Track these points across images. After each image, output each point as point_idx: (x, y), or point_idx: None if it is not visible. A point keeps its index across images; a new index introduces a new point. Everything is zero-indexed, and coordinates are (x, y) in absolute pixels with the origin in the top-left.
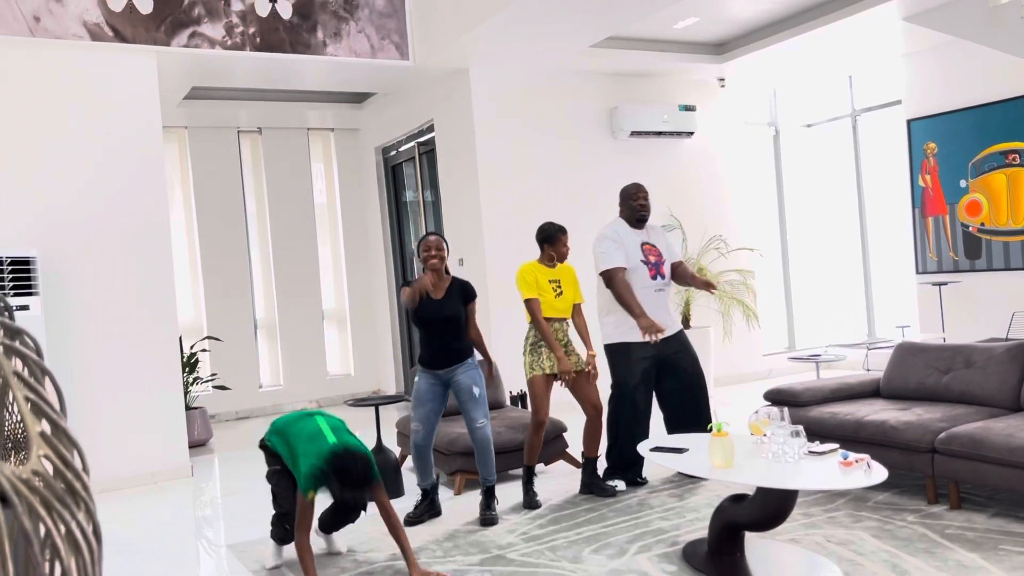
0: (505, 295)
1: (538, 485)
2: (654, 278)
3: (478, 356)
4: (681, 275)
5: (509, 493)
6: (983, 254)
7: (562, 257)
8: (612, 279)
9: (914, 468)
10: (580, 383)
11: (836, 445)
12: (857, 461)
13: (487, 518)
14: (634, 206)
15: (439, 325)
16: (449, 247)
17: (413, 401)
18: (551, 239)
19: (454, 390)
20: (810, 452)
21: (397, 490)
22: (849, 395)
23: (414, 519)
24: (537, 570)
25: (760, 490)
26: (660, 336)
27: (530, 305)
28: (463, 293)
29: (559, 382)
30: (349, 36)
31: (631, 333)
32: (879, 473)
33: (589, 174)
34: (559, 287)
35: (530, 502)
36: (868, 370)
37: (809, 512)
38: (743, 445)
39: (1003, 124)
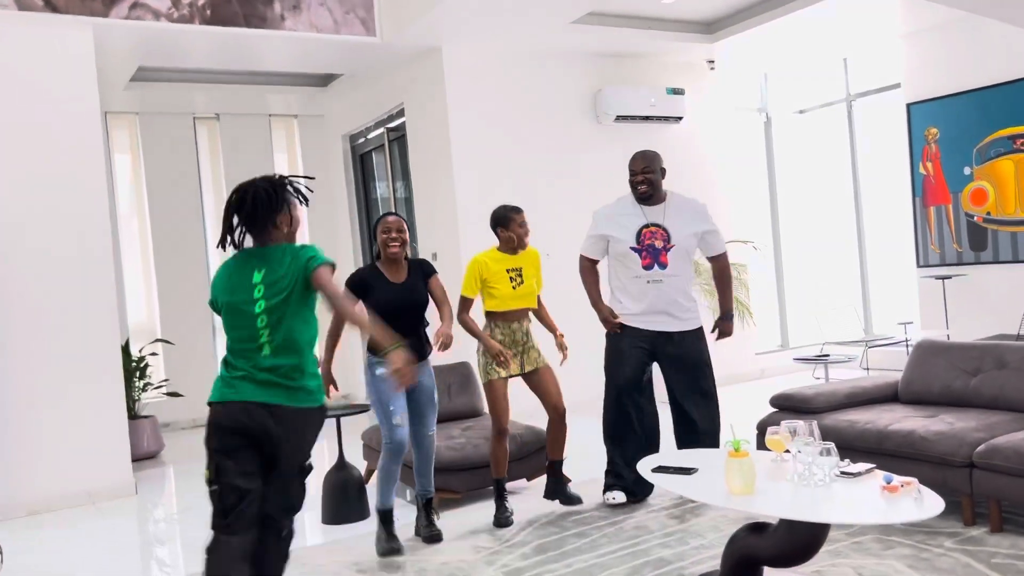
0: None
1: (521, 503)
2: (648, 267)
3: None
4: (715, 274)
5: (487, 515)
6: (989, 245)
7: (520, 240)
8: (579, 265)
9: (948, 485)
10: (538, 382)
11: (872, 465)
12: (903, 485)
13: (432, 534)
14: (631, 182)
15: (402, 313)
16: (409, 232)
17: (385, 393)
18: (503, 220)
19: (412, 389)
20: (843, 473)
21: (361, 512)
22: (865, 400)
23: (387, 550)
24: None
25: (785, 521)
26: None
27: (461, 303)
28: (423, 273)
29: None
30: (309, 9)
31: (622, 317)
32: (933, 503)
33: (572, 161)
34: (519, 276)
35: (501, 519)
36: (867, 370)
37: (832, 537)
38: (761, 464)
39: (1010, 107)
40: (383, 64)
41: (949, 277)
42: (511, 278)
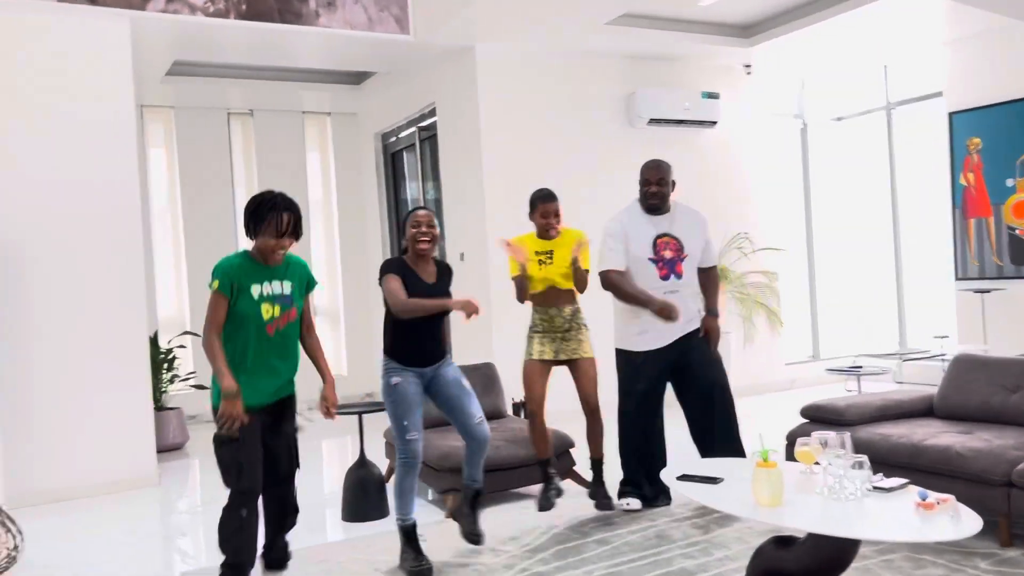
0: (509, 294)
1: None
2: (665, 278)
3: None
4: (705, 282)
5: (506, 518)
6: None
7: (544, 231)
8: (606, 282)
9: (985, 504)
10: (575, 373)
11: (906, 480)
12: (940, 502)
13: (473, 532)
14: (643, 191)
15: (436, 316)
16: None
17: (400, 406)
18: (531, 206)
19: (437, 387)
20: (875, 488)
21: (382, 510)
22: (899, 414)
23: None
24: None
25: (813, 535)
26: (676, 322)
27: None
28: (450, 278)
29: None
30: (344, 6)
31: (634, 340)
32: (971, 522)
33: (604, 164)
34: (549, 258)
35: (543, 502)
36: (901, 383)
37: (861, 554)
38: (789, 475)
39: None
40: (416, 63)
41: (988, 291)
42: (540, 260)
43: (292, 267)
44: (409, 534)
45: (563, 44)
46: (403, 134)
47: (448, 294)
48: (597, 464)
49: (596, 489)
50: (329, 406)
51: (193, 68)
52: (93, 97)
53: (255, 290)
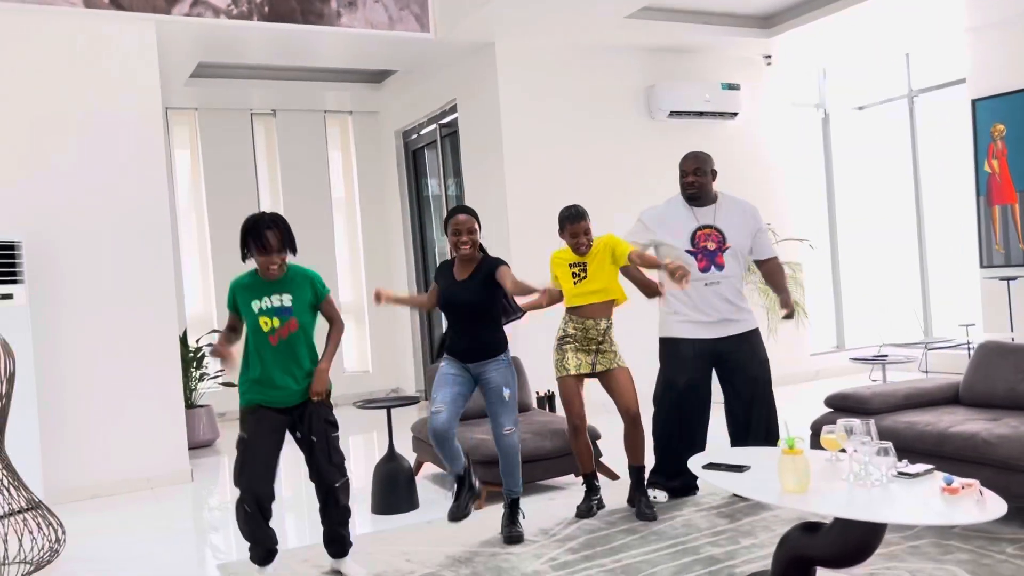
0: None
1: (570, 498)
2: (705, 270)
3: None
4: (767, 275)
5: (533, 509)
6: None
7: (576, 248)
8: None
9: (1011, 490)
10: (612, 383)
11: (931, 466)
12: (964, 487)
13: (511, 535)
14: (682, 183)
15: (459, 311)
16: (481, 224)
17: (435, 384)
18: (559, 227)
19: (483, 388)
20: (900, 474)
21: (410, 503)
22: (925, 402)
23: (458, 514)
24: None
25: (839, 520)
26: (689, 283)
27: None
28: (489, 270)
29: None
30: (365, 6)
31: (679, 327)
32: (996, 506)
33: (624, 157)
34: (583, 271)
35: (582, 508)
36: (926, 372)
37: (888, 540)
38: (816, 463)
39: None
40: (436, 60)
41: (1015, 278)
42: (573, 274)
43: (295, 280)
44: (460, 480)
45: (582, 39)
46: (424, 131)
47: (480, 288)
48: (638, 472)
49: (637, 497)
50: (311, 394)
51: (216, 70)
52: (122, 100)
53: (255, 305)
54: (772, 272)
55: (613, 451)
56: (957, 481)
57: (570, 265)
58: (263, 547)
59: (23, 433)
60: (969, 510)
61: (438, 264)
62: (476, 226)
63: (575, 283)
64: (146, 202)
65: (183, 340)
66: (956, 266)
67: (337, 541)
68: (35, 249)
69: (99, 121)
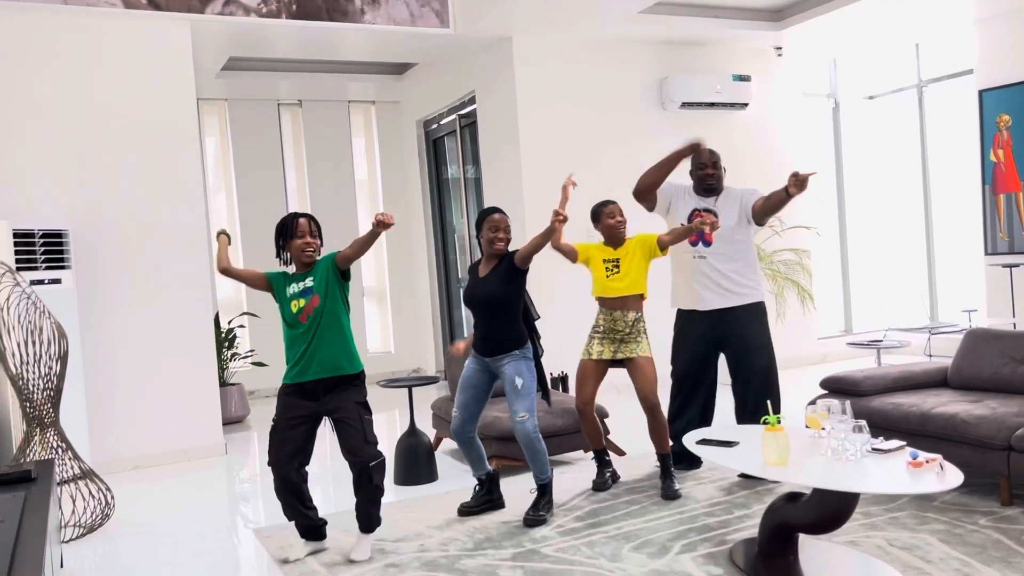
0: (546, 277)
1: (577, 472)
2: (694, 244)
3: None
4: (768, 204)
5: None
6: None
7: (609, 232)
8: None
9: (987, 467)
10: (632, 372)
11: (903, 443)
12: (928, 461)
13: (528, 518)
14: (700, 174)
15: (480, 305)
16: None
17: (458, 385)
18: (594, 216)
19: (500, 378)
20: (874, 449)
21: (430, 474)
22: (914, 384)
23: (468, 510)
24: (572, 568)
25: (817, 491)
26: (702, 147)
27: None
28: (508, 262)
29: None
30: (387, 3)
31: (679, 298)
32: (953, 477)
33: (637, 147)
34: (615, 267)
35: (597, 482)
36: (930, 356)
37: (869, 511)
38: (799, 439)
39: None
40: (456, 54)
41: (1018, 265)
42: (607, 268)
43: (319, 265)
44: (481, 483)
45: (597, 33)
46: (444, 121)
47: (500, 282)
48: (664, 459)
49: (664, 482)
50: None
51: (246, 63)
52: (158, 95)
53: (289, 292)
54: (767, 199)
55: (620, 430)
56: (922, 456)
57: (604, 260)
58: (292, 517)
59: (72, 408)
60: (930, 481)
61: (468, 264)
62: (509, 224)
63: (607, 276)
64: (181, 192)
65: (215, 321)
66: (962, 253)
67: (364, 516)
68: (80, 237)
69: (137, 116)
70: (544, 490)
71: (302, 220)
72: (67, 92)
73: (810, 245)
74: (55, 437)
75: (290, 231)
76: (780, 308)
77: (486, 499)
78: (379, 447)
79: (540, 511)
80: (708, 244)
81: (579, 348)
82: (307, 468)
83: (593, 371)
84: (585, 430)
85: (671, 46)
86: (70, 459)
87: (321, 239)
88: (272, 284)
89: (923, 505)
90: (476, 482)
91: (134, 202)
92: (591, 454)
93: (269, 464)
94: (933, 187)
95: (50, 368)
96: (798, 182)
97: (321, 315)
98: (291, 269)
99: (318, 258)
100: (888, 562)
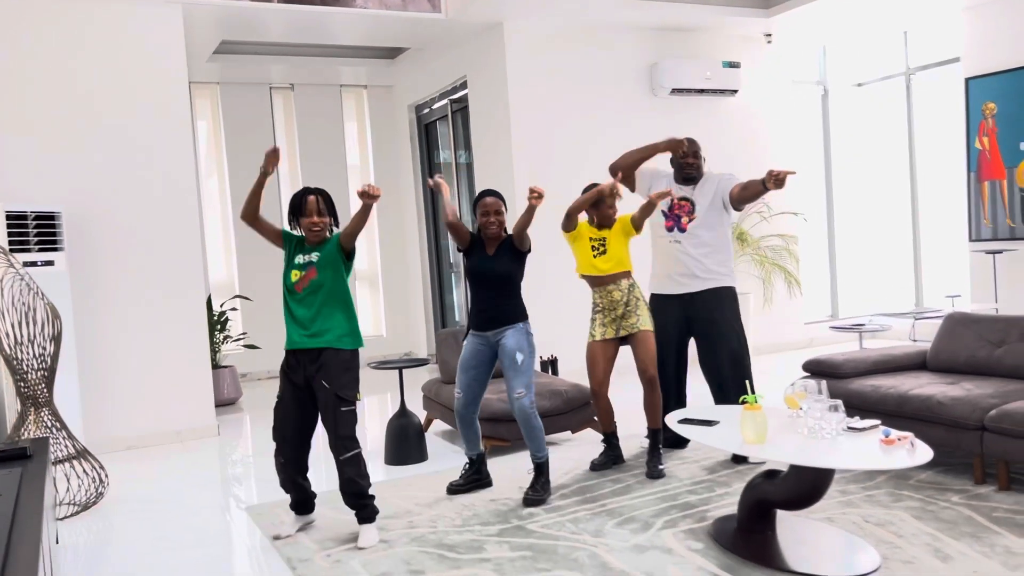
0: (538, 261)
1: (565, 452)
2: (669, 229)
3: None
4: (744, 192)
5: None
6: None
7: (603, 216)
8: (613, 165)
9: (961, 446)
10: (633, 346)
11: (877, 421)
12: (900, 439)
13: (531, 499)
14: (680, 163)
15: (487, 281)
16: (507, 205)
17: (458, 366)
18: (594, 206)
19: (500, 354)
20: (849, 428)
21: (420, 455)
22: (893, 367)
23: (456, 488)
24: (557, 543)
25: (793, 467)
26: (683, 147)
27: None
28: (510, 244)
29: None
30: None
31: (655, 284)
32: (923, 453)
33: (627, 133)
34: (602, 246)
35: (600, 463)
36: (915, 341)
37: (846, 489)
38: (778, 419)
39: None
40: (447, 39)
41: (1001, 252)
42: (592, 247)
43: (327, 242)
44: (471, 463)
45: (588, 18)
46: (436, 105)
47: (506, 261)
48: (654, 434)
49: (650, 458)
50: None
51: (238, 47)
52: (151, 79)
53: (296, 259)
54: (744, 187)
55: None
56: (894, 434)
57: (590, 239)
58: (290, 493)
59: (65, 388)
60: (899, 457)
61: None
62: (503, 207)
63: (594, 256)
64: (173, 175)
65: (207, 304)
66: (947, 239)
67: (349, 504)
68: (73, 219)
69: (130, 99)
70: (541, 469)
71: (311, 198)
72: (59, 75)
73: (797, 231)
74: (49, 416)
75: (300, 209)
76: (767, 293)
77: (474, 478)
78: (356, 438)
79: (539, 491)
80: (683, 231)
81: (568, 332)
82: (311, 441)
83: (601, 352)
84: (600, 413)
85: (661, 32)
86: (64, 438)
87: (334, 215)
88: (285, 244)
89: (899, 483)
90: (466, 461)
91: (127, 185)
92: (574, 435)
93: (275, 439)
94: (920, 174)
95: (44, 348)
96: (776, 181)
97: (318, 289)
98: None
99: (328, 235)
100: (861, 536)
